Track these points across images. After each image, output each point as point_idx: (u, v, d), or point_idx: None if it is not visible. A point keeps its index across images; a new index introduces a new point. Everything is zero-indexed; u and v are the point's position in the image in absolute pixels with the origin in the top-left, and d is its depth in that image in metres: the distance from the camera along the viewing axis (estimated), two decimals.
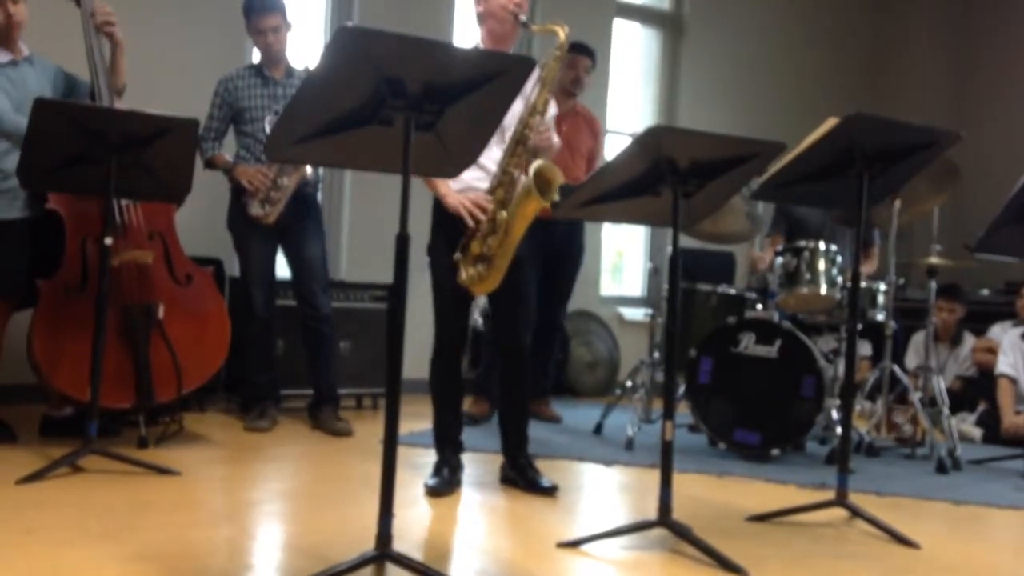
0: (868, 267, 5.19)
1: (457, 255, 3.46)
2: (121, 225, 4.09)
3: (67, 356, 3.91)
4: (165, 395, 4.12)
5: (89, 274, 4.02)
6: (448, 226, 3.48)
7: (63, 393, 4.00)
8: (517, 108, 3.44)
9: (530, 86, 3.45)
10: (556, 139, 3.60)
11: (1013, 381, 5.68)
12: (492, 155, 3.49)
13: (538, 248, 3.69)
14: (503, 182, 3.44)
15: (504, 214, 3.40)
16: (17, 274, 3.99)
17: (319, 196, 5.00)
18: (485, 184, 3.49)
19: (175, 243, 4.29)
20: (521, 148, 3.42)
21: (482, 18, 3.58)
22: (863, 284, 4.73)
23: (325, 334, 4.75)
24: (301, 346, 4.82)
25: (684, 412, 4.86)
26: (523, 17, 3.49)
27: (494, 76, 2.50)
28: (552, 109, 3.61)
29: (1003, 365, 5.72)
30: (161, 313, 4.11)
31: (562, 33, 3.44)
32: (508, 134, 3.48)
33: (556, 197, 3.36)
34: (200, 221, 4.87)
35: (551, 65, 3.45)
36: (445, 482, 3.57)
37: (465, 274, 3.44)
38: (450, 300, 3.58)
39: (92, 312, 3.75)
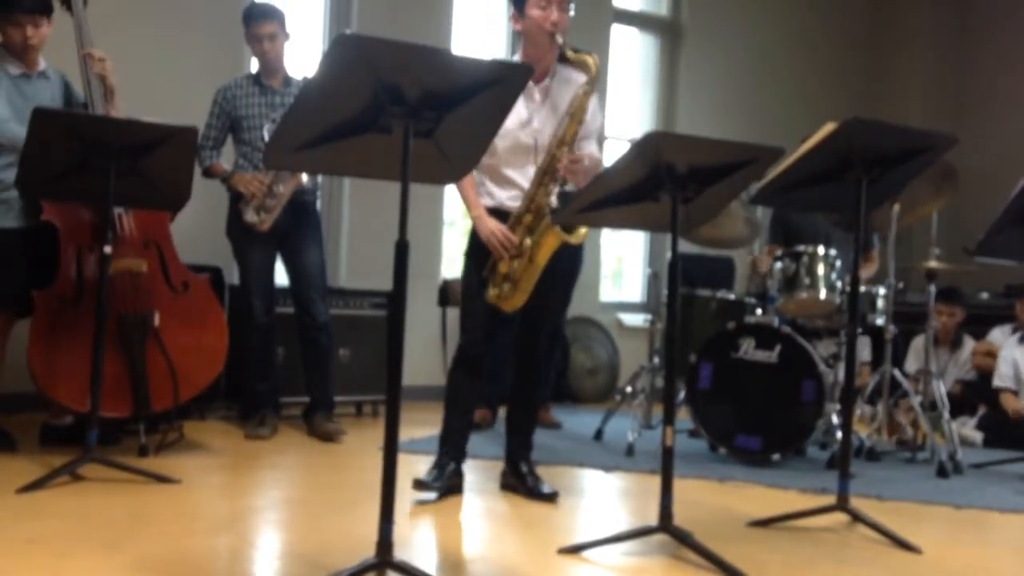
0: (868, 270, 5.19)
1: (485, 272, 3.50)
2: (113, 234, 4.08)
3: (64, 367, 3.91)
4: (162, 403, 4.12)
5: (84, 284, 4.01)
6: (481, 241, 3.52)
7: (63, 405, 4.00)
8: (549, 130, 3.50)
9: (566, 98, 3.48)
10: (587, 163, 3.48)
11: (1013, 393, 5.69)
12: (528, 174, 3.52)
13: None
14: (531, 209, 3.46)
15: (529, 241, 3.43)
16: (13, 284, 3.99)
17: (318, 203, 5.01)
18: (518, 203, 3.52)
19: (171, 251, 4.28)
20: (549, 178, 3.44)
21: (520, 36, 3.60)
22: (862, 288, 4.73)
23: (322, 343, 4.75)
24: (301, 353, 4.82)
25: (684, 418, 4.86)
26: (560, 38, 3.47)
27: (492, 83, 2.51)
28: (598, 121, 3.63)
29: (999, 379, 5.73)
30: (156, 321, 4.11)
31: (593, 65, 3.44)
32: (542, 156, 3.50)
33: (582, 232, 3.43)
34: (199, 229, 4.87)
35: (580, 99, 3.45)
36: (434, 479, 3.56)
37: (493, 292, 3.50)
38: (479, 307, 3.58)
39: (88, 322, 3.76)
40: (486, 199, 3.58)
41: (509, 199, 3.55)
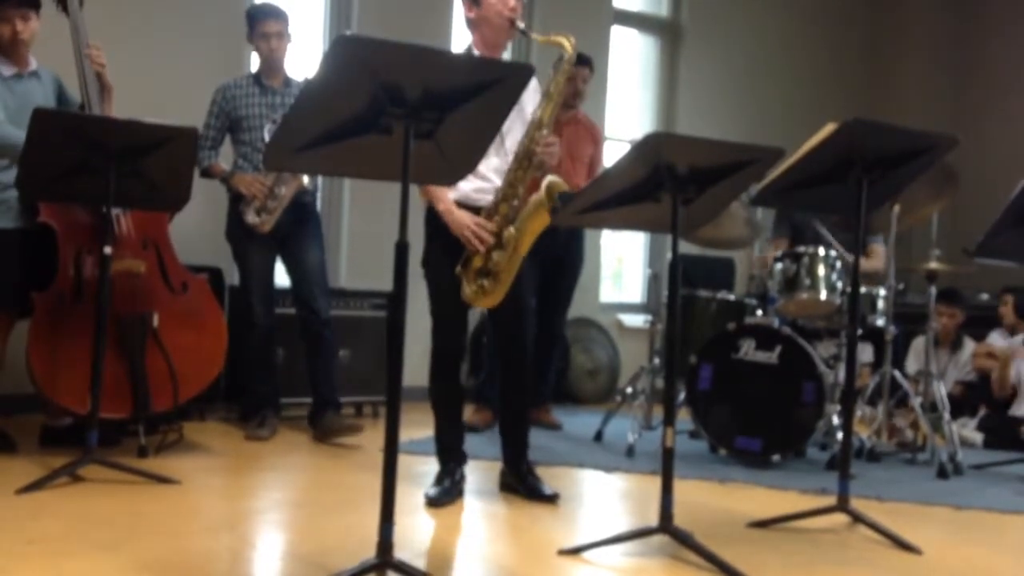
0: (871, 264, 5.17)
1: (458, 269, 3.44)
2: (112, 235, 4.07)
3: (64, 369, 3.90)
4: (162, 404, 4.11)
5: (83, 286, 4.01)
6: (445, 236, 3.46)
7: (62, 406, 4.00)
8: (515, 119, 3.45)
9: (529, 99, 3.45)
10: (558, 150, 3.57)
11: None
12: (491, 164, 3.48)
13: (537, 256, 3.69)
14: (508, 196, 3.42)
15: (512, 230, 3.39)
16: (10, 284, 3.98)
17: (318, 204, 5.01)
18: (483, 195, 3.49)
19: (169, 251, 4.27)
20: (527, 163, 3.40)
21: (474, 24, 3.54)
22: (863, 289, 4.73)
23: (326, 338, 4.74)
24: (301, 354, 4.81)
25: (685, 418, 4.86)
26: (521, 24, 3.47)
27: (493, 83, 2.51)
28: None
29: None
30: (155, 322, 4.10)
31: (569, 46, 3.40)
32: (507, 143, 3.48)
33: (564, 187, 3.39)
34: (200, 230, 4.87)
35: (558, 80, 3.41)
36: (444, 492, 3.55)
37: (468, 289, 3.43)
38: (449, 311, 3.56)
39: (87, 324, 3.76)
40: (451, 191, 3.47)
41: (474, 191, 3.49)
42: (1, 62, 3.99)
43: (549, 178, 3.39)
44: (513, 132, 3.48)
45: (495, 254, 3.40)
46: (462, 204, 3.48)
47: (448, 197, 3.47)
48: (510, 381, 3.72)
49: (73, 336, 3.91)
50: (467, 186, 3.48)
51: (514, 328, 3.64)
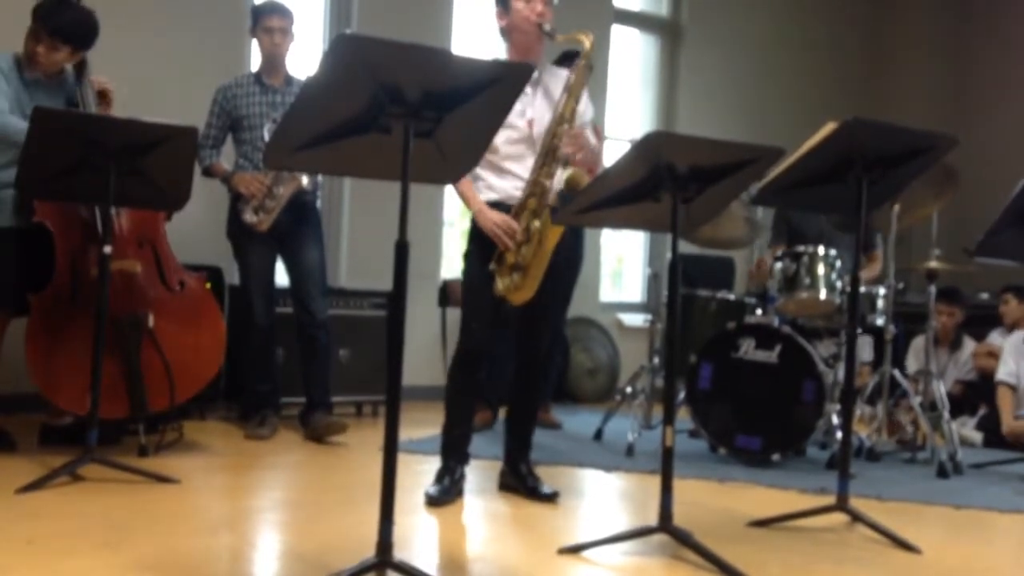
0: (871, 271, 5.18)
1: (492, 266, 3.47)
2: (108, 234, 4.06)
3: (63, 371, 3.89)
4: (159, 404, 4.10)
5: (79, 286, 4.00)
6: (483, 235, 3.50)
7: (61, 409, 3.99)
8: (546, 118, 3.50)
9: (559, 94, 3.50)
10: (594, 141, 3.62)
11: (1012, 388, 5.67)
12: (527, 165, 3.52)
13: None
14: (535, 192, 3.45)
15: (537, 223, 3.42)
16: (6, 283, 3.97)
17: (318, 203, 5.01)
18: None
19: (166, 250, 4.26)
20: (551, 158, 3.43)
21: (506, 32, 3.60)
22: (862, 289, 4.73)
23: (321, 340, 4.74)
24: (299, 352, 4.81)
25: (684, 418, 4.86)
26: (547, 27, 3.50)
27: (492, 83, 2.51)
28: (590, 113, 3.66)
29: (1002, 373, 5.71)
30: (151, 322, 4.10)
31: (587, 42, 3.47)
32: (539, 146, 3.50)
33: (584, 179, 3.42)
34: (199, 229, 4.87)
35: (578, 74, 3.47)
36: (445, 491, 3.55)
37: (501, 284, 3.47)
38: (482, 308, 3.57)
39: (84, 324, 3.76)
40: (488, 193, 3.55)
41: (514, 189, 3.53)
42: (26, 67, 3.98)
43: (567, 171, 3.41)
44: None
45: (524, 248, 3.44)
46: (503, 204, 3.52)
47: (479, 198, 3.53)
48: (525, 378, 3.73)
49: (71, 337, 3.90)
50: (507, 185, 3.55)
51: (537, 326, 3.66)
